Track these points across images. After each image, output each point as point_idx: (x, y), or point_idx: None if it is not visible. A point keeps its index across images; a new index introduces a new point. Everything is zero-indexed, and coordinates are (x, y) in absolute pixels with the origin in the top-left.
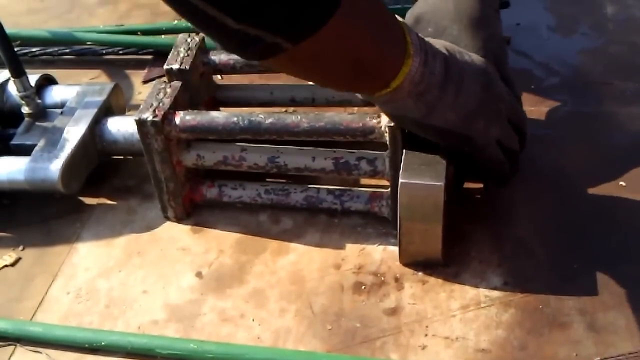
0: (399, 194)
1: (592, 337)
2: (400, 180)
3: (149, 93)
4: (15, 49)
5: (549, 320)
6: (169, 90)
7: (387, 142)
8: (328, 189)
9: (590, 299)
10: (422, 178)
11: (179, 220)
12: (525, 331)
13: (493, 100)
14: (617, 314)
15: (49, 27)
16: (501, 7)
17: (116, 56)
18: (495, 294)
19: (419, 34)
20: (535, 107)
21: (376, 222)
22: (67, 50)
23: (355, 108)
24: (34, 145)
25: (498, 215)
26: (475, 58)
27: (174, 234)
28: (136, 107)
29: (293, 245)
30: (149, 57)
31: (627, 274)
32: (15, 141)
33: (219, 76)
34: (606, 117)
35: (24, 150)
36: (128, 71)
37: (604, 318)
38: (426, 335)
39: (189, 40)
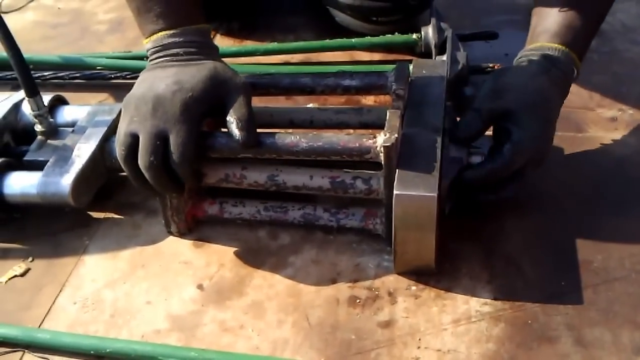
0: (394, 205)
1: (580, 351)
2: (395, 192)
3: None
4: None
5: (537, 334)
6: None
7: (382, 162)
8: (324, 207)
9: (578, 315)
10: (416, 189)
11: (181, 235)
12: (515, 345)
13: None
14: (603, 330)
15: (60, 53)
16: (490, 38)
17: (123, 80)
18: (486, 309)
19: None
20: None
21: (370, 239)
22: (77, 75)
23: (352, 130)
24: (46, 161)
25: (488, 233)
26: None
27: (177, 248)
28: None
29: (290, 260)
30: None
31: (612, 291)
32: (28, 157)
33: None
34: (591, 143)
35: (37, 166)
36: None
37: (591, 333)
38: (419, 347)
39: None
